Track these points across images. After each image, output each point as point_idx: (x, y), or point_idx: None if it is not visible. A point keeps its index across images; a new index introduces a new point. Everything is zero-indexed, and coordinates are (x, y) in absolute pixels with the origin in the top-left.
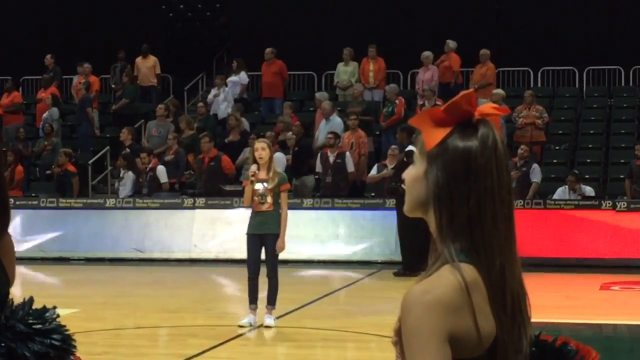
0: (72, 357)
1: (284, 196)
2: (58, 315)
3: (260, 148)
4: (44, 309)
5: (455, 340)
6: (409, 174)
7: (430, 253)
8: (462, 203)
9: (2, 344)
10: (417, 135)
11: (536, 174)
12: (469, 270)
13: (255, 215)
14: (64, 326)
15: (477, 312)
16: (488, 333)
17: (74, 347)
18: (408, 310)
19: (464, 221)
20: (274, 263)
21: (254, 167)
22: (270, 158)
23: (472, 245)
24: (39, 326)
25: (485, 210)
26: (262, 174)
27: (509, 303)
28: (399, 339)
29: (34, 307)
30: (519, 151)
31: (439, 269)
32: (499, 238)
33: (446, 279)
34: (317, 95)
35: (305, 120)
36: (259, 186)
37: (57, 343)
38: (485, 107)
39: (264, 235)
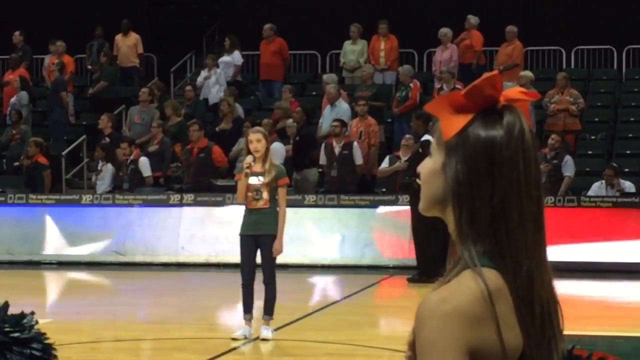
0: None
1: (282, 192)
2: (36, 322)
3: (255, 140)
4: (22, 315)
5: (476, 355)
6: (425, 167)
7: (448, 257)
8: (485, 200)
9: None
10: (435, 124)
11: (569, 167)
12: (492, 277)
13: (249, 213)
14: (44, 334)
15: (501, 324)
16: (514, 347)
17: (55, 357)
18: (423, 322)
19: (486, 220)
20: (271, 267)
21: (249, 159)
22: (267, 149)
23: (496, 248)
24: (16, 334)
25: (511, 208)
26: (258, 167)
27: (538, 313)
28: (413, 353)
29: (9, 312)
30: (550, 141)
31: (459, 274)
32: (526, 240)
33: (466, 287)
34: (325, 77)
35: (307, 106)
36: (253, 180)
37: (37, 353)
38: (512, 91)
39: (260, 236)
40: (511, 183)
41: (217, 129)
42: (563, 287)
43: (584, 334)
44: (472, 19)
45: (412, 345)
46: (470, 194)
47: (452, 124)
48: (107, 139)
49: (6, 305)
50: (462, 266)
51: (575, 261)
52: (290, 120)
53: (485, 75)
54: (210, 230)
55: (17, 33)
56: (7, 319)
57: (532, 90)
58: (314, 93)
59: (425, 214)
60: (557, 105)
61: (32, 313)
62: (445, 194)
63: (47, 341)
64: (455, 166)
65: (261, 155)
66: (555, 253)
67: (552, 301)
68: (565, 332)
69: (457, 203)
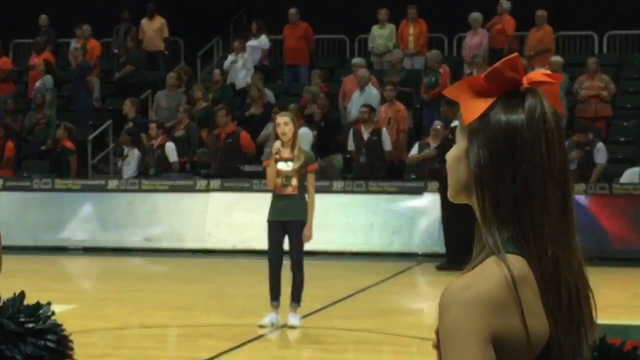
0: None
1: (311, 178)
2: (53, 313)
3: (283, 123)
4: (38, 306)
5: (500, 343)
6: (450, 153)
7: (475, 243)
8: (507, 184)
9: None
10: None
11: (601, 155)
12: (517, 263)
13: (277, 199)
14: (60, 325)
15: (525, 311)
16: (540, 334)
17: (71, 349)
18: (446, 308)
19: (510, 205)
20: (299, 255)
21: (277, 144)
22: (295, 134)
23: (521, 233)
24: (31, 325)
25: (534, 192)
26: (286, 153)
27: (565, 299)
28: (438, 340)
29: (25, 303)
30: (577, 138)
31: (483, 261)
32: (551, 224)
33: (490, 273)
34: (354, 60)
35: (334, 91)
36: (282, 166)
37: (51, 345)
38: (535, 74)
39: (288, 223)
40: (534, 166)
41: (247, 113)
42: (594, 276)
43: (617, 323)
44: (505, 4)
45: (438, 332)
46: (492, 179)
47: (473, 108)
48: (132, 124)
49: (22, 295)
50: (487, 253)
51: (607, 249)
52: (315, 106)
53: (505, 58)
54: (237, 217)
55: (43, 16)
56: (22, 309)
57: (558, 73)
58: (342, 78)
59: (454, 200)
60: (587, 91)
61: (49, 303)
62: (469, 180)
63: (63, 332)
64: (477, 151)
65: (289, 141)
66: (587, 241)
67: (581, 287)
68: (597, 321)
69: (479, 188)
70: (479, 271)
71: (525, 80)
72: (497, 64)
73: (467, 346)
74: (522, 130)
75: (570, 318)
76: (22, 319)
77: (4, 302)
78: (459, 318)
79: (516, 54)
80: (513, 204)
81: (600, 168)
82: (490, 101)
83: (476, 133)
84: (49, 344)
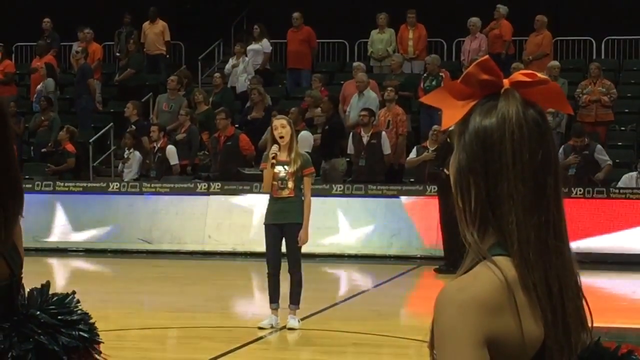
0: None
1: (307, 181)
2: (79, 302)
3: (280, 126)
4: (64, 296)
5: (494, 345)
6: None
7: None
8: (481, 186)
9: (30, 339)
10: None
11: (604, 155)
12: (508, 264)
13: (274, 202)
14: (88, 314)
15: (520, 313)
16: (534, 337)
17: (100, 337)
18: (441, 310)
19: (485, 207)
20: (296, 257)
21: (274, 148)
22: (292, 137)
23: (501, 235)
24: (64, 316)
25: (501, 192)
26: (283, 156)
27: (543, 297)
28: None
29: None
30: (573, 142)
31: (475, 264)
32: (525, 225)
33: (485, 276)
34: (355, 64)
35: (335, 95)
36: (279, 169)
37: (85, 335)
38: (514, 75)
39: (285, 225)
40: (500, 168)
41: (248, 117)
42: (592, 279)
43: (613, 326)
44: (502, 9)
45: (432, 334)
46: (467, 182)
47: (452, 114)
48: (133, 127)
49: (48, 285)
50: (474, 256)
51: (604, 253)
52: (318, 110)
53: (477, 60)
54: (237, 219)
55: (46, 19)
56: (52, 301)
57: (557, 80)
58: (341, 82)
59: None
60: (589, 96)
61: (74, 292)
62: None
63: (91, 322)
64: (458, 155)
65: (286, 144)
66: (584, 244)
67: (568, 287)
68: (593, 324)
69: (459, 192)
70: (473, 274)
71: (506, 82)
72: (470, 67)
73: (462, 348)
74: (492, 131)
75: (554, 319)
76: (53, 310)
77: (29, 293)
78: (454, 320)
79: (487, 56)
80: (488, 205)
81: (608, 167)
82: (470, 105)
83: (459, 138)
84: (82, 333)
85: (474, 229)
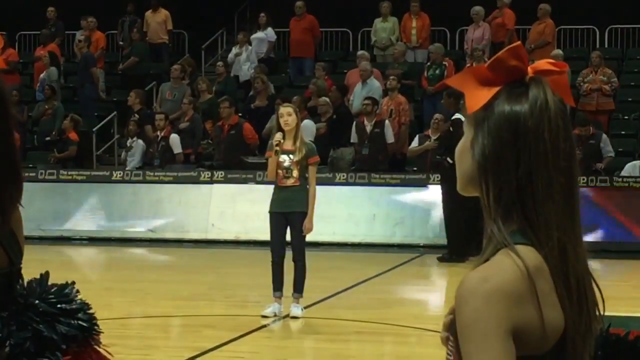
0: (98, 339)
1: (312, 170)
2: (78, 291)
3: (286, 113)
4: (64, 285)
5: (518, 335)
6: (458, 146)
7: (485, 234)
8: (510, 173)
9: (29, 327)
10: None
11: (608, 145)
12: (529, 253)
13: (279, 190)
14: (87, 304)
15: (542, 302)
16: (555, 326)
17: (99, 327)
18: (465, 301)
19: (513, 194)
20: (301, 245)
21: (278, 136)
22: (297, 125)
23: (526, 222)
24: (63, 305)
25: (537, 179)
26: (288, 144)
27: (574, 288)
28: (451, 334)
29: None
30: (578, 132)
31: (495, 252)
32: (556, 212)
33: (507, 265)
34: (359, 53)
35: (339, 84)
36: (284, 158)
37: (84, 324)
38: (540, 63)
39: (289, 214)
40: (536, 154)
41: (252, 106)
42: (595, 268)
43: (617, 314)
44: None
45: (449, 326)
46: (495, 168)
47: (477, 97)
48: (137, 116)
49: (47, 275)
50: (496, 244)
51: (608, 241)
52: (324, 98)
53: (508, 46)
54: (240, 208)
55: (51, 8)
56: (51, 290)
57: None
58: (345, 71)
59: (463, 193)
60: (590, 85)
61: (73, 283)
62: (474, 170)
63: (90, 311)
64: (482, 141)
65: (291, 131)
66: (588, 233)
67: (586, 275)
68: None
69: (483, 178)
70: (495, 263)
71: (530, 70)
72: (500, 52)
73: (488, 339)
74: (525, 118)
75: (579, 308)
76: (52, 299)
77: (28, 283)
78: (479, 311)
79: (519, 42)
80: (516, 192)
81: (609, 159)
82: (494, 91)
83: (481, 123)
84: (81, 323)
85: (497, 215)
